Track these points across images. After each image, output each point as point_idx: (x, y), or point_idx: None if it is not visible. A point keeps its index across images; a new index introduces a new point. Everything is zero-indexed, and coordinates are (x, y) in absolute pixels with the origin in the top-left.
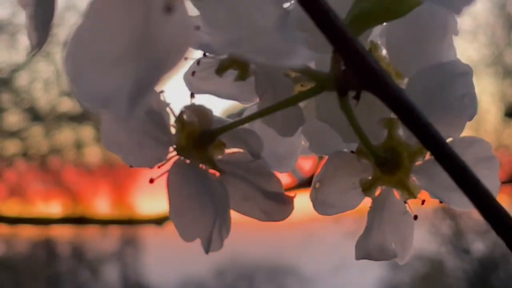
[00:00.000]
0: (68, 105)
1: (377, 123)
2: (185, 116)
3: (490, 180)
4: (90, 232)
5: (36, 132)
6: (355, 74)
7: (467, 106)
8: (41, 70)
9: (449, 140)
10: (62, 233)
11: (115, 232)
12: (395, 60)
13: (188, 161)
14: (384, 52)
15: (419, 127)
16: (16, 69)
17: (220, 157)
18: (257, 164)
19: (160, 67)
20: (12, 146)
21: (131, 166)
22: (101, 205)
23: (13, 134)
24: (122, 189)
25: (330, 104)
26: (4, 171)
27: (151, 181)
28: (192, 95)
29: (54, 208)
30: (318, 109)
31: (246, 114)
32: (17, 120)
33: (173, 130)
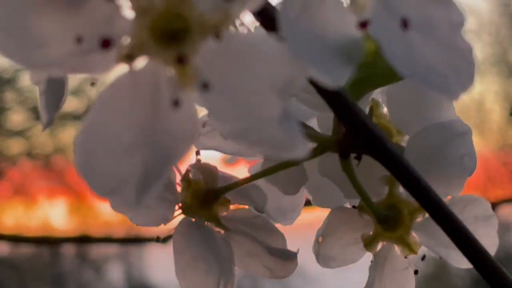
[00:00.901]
0: (72, 104)
1: (378, 180)
2: (191, 175)
3: (488, 238)
4: (94, 233)
5: (40, 131)
6: (356, 138)
7: (467, 165)
8: None
9: (448, 198)
10: (67, 233)
11: (118, 232)
12: (395, 118)
13: (193, 219)
14: (385, 109)
15: (418, 190)
16: (20, 68)
17: (225, 213)
18: (261, 220)
19: (168, 158)
20: (16, 146)
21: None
22: (105, 205)
23: (17, 133)
24: None
25: (332, 162)
26: (8, 170)
27: (158, 239)
28: (197, 152)
29: (58, 207)
30: (321, 166)
31: (251, 172)
32: (21, 119)
33: (178, 188)
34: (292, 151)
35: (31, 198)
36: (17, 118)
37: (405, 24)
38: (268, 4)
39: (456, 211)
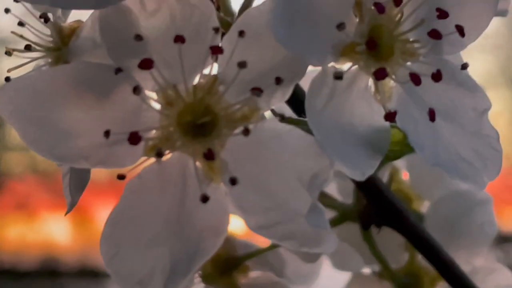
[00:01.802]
0: None
1: (398, 246)
2: None
3: None
4: (96, 247)
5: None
6: (377, 210)
7: (487, 233)
8: None
9: (470, 268)
10: (69, 247)
11: None
12: (415, 184)
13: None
14: (404, 174)
15: (438, 262)
16: None
17: (244, 281)
18: (280, 285)
19: (196, 254)
20: (19, 161)
21: None
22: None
23: (21, 148)
24: None
25: (352, 229)
26: (11, 185)
27: None
28: None
29: (60, 222)
30: (341, 232)
31: None
32: None
33: None
34: (320, 246)
35: (34, 212)
36: None
37: (432, 114)
38: (298, 87)
39: (478, 281)
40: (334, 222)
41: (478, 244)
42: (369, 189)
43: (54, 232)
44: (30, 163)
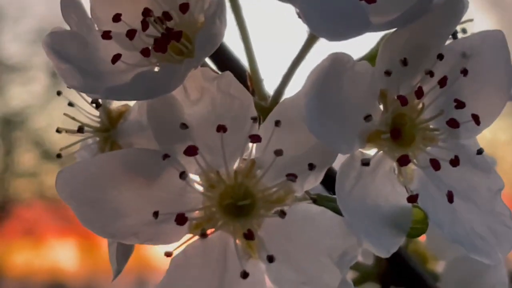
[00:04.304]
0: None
1: None
2: None
3: None
4: (103, 274)
5: (52, 172)
6: (397, 273)
7: None
8: (57, 109)
9: None
10: (76, 273)
11: (128, 275)
12: (432, 246)
13: None
14: None
15: None
16: (32, 111)
17: None
18: None
19: None
20: (26, 187)
21: None
22: None
23: (28, 174)
24: None
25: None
26: (18, 211)
27: None
28: None
29: (67, 248)
30: None
31: None
32: (33, 161)
33: None
34: None
35: (41, 238)
36: (28, 159)
37: (450, 196)
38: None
39: None
40: (356, 282)
41: None
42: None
43: (61, 258)
44: (37, 189)
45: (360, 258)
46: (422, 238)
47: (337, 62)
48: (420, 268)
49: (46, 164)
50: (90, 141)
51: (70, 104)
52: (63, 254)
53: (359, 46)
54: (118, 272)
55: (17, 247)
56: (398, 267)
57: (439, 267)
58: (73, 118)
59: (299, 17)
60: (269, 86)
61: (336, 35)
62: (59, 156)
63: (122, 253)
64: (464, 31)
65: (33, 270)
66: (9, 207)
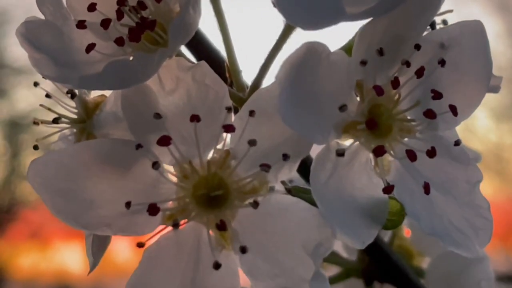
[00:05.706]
0: None
1: None
2: None
3: None
4: (109, 277)
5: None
6: (380, 268)
7: None
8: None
9: None
10: (82, 276)
11: None
12: (417, 241)
13: None
14: (405, 230)
15: None
16: (39, 113)
17: None
18: None
19: None
20: (32, 189)
21: None
22: (121, 248)
23: None
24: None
25: (356, 285)
26: (25, 214)
27: None
28: None
29: (73, 251)
30: (345, 286)
31: None
32: None
33: None
34: None
35: (47, 241)
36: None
37: (427, 188)
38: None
39: None
40: (339, 278)
41: None
42: (372, 247)
43: (67, 261)
44: None
45: (344, 254)
46: (408, 233)
47: (311, 51)
48: (403, 263)
49: None
50: (67, 132)
51: (48, 96)
52: (69, 256)
53: (339, 37)
54: (94, 265)
55: (24, 250)
56: (381, 263)
57: (424, 263)
58: (49, 109)
59: (274, 6)
60: (249, 77)
61: (310, 24)
62: (35, 147)
63: (98, 246)
64: (444, 22)
65: (39, 273)
66: (16, 210)
